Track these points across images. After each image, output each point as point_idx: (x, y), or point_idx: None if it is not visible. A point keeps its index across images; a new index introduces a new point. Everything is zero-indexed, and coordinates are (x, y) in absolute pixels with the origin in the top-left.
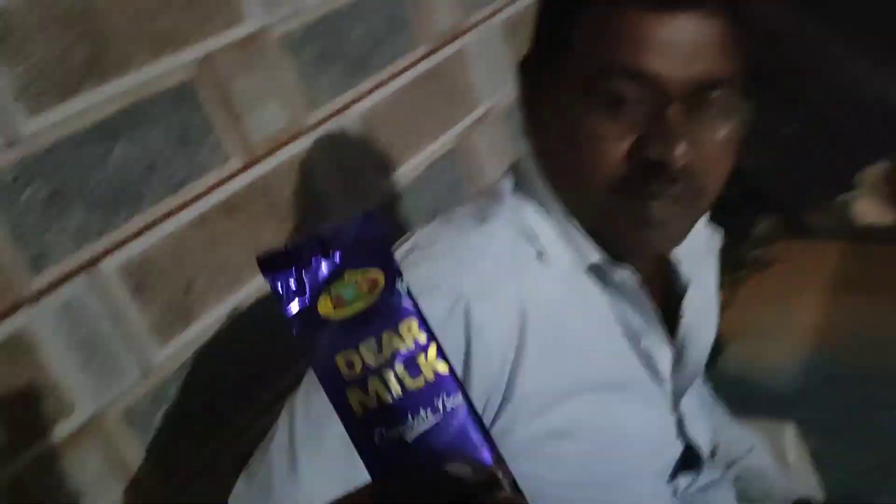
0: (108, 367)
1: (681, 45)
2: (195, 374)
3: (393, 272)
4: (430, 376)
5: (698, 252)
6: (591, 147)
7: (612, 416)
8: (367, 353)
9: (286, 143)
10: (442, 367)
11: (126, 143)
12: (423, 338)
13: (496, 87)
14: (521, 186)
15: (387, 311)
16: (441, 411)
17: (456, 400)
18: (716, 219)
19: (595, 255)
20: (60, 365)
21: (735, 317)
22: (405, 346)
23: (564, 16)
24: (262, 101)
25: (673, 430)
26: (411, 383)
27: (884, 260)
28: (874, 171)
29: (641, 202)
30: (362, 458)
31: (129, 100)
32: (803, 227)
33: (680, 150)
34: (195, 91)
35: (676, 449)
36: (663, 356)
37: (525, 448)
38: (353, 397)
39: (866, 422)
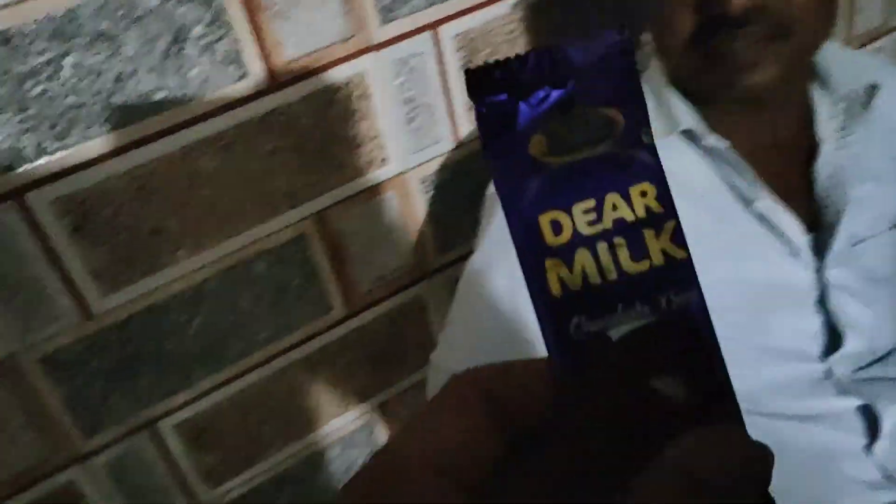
0: (425, 132)
1: None
2: None
3: (638, 116)
4: (658, 260)
5: (852, 107)
6: (665, 14)
7: (737, 275)
8: (582, 217)
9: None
10: (678, 252)
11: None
12: (659, 209)
13: None
14: (645, 81)
15: (619, 166)
16: (664, 308)
17: (685, 297)
18: None
19: (686, 122)
20: (386, 116)
21: None
22: (633, 217)
23: None
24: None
25: (810, 298)
26: (631, 266)
27: None
28: None
29: (720, 52)
30: (550, 350)
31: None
32: None
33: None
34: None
35: (814, 320)
36: (786, 221)
37: None
38: (553, 271)
39: None
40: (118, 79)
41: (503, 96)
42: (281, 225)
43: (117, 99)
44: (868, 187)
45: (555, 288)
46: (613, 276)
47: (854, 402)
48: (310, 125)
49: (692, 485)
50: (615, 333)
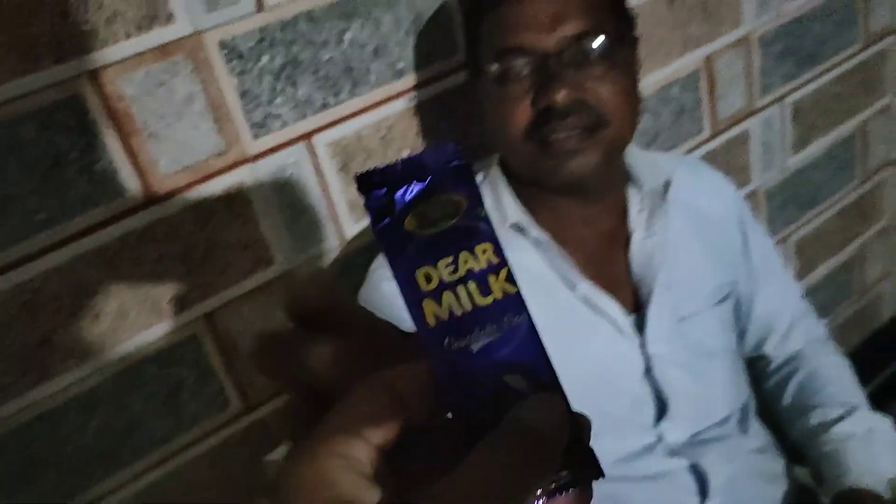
0: (311, 231)
1: (542, 17)
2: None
3: (475, 198)
4: (498, 295)
5: (655, 201)
6: (505, 111)
7: (571, 352)
8: (445, 270)
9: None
10: (511, 289)
11: (359, 26)
12: (496, 260)
13: None
14: (486, 176)
15: (466, 232)
16: (506, 327)
17: (520, 319)
18: None
19: (513, 216)
20: (267, 220)
21: None
22: (479, 266)
23: (473, 20)
24: None
25: (638, 371)
26: (481, 300)
27: None
28: None
29: (548, 140)
30: (431, 362)
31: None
32: None
33: (561, 94)
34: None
35: (643, 390)
36: (606, 303)
37: None
38: (428, 308)
39: None
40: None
41: (383, 191)
42: (171, 327)
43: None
44: (682, 269)
45: (430, 320)
46: (469, 308)
47: (683, 462)
48: (193, 232)
49: (530, 432)
50: (475, 347)
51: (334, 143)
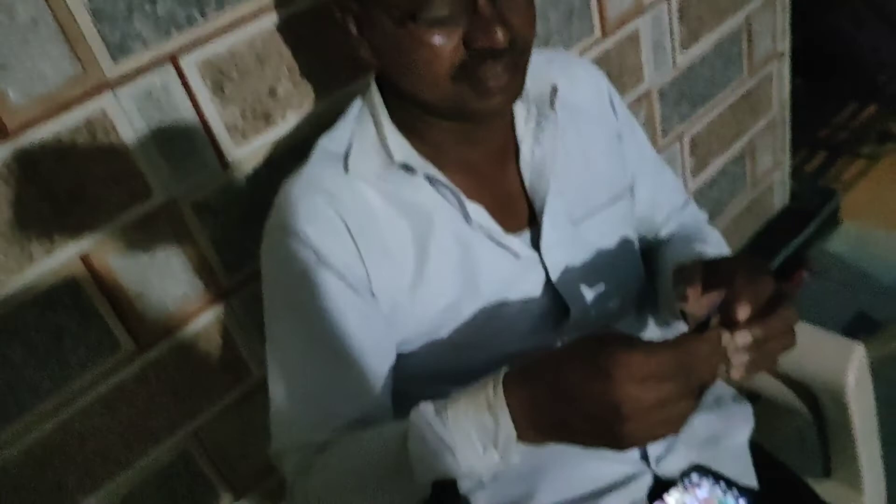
0: (188, 158)
1: None
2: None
3: None
4: None
5: (542, 108)
6: (430, 53)
7: (474, 281)
8: None
9: None
10: None
11: None
12: None
13: None
14: (366, 103)
15: None
16: None
17: None
18: (868, 79)
19: (400, 156)
20: (139, 149)
21: (862, 195)
22: None
23: None
24: None
25: (539, 282)
26: None
27: None
28: None
29: (485, 81)
30: None
31: None
32: None
33: (499, 34)
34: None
35: (544, 300)
36: (499, 232)
37: (426, 325)
38: None
39: None
40: None
41: None
42: (46, 270)
43: None
44: (571, 174)
45: None
46: None
47: None
48: (54, 169)
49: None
50: None
51: (205, 63)
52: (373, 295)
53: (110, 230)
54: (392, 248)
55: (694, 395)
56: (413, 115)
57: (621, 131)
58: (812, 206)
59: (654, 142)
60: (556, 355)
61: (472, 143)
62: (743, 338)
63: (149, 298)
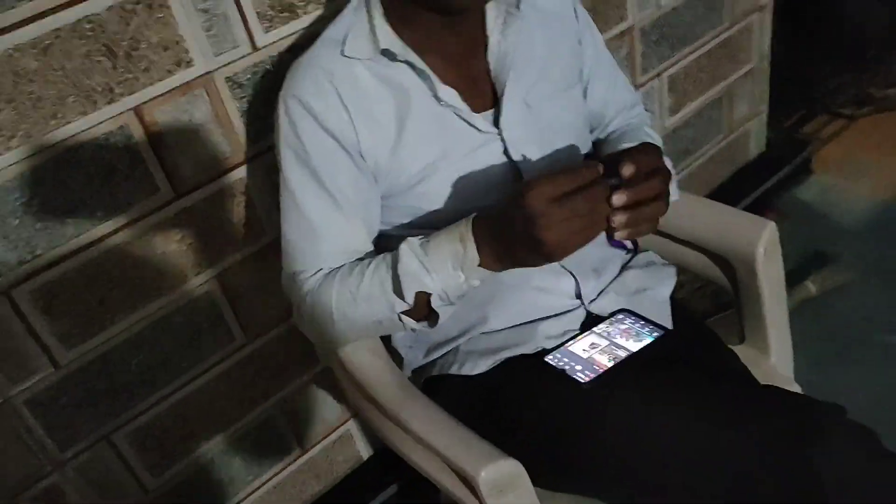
0: (225, 36)
1: None
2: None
3: None
4: None
5: (510, 6)
6: None
7: (444, 153)
8: None
9: None
10: None
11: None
12: None
13: None
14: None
15: None
16: None
17: None
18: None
19: (384, 43)
20: (185, 23)
21: (835, 151)
22: None
23: None
24: None
25: (499, 154)
26: None
27: None
28: None
29: None
30: None
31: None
32: None
33: None
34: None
35: (502, 170)
36: (466, 111)
37: (404, 182)
38: None
39: None
40: None
41: None
42: (103, 117)
43: None
44: (531, 63)
45: None
46: None
47: None
48: (117, 32)
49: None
50: None
51: None
52: (361, 155)
53: (159, 89)
54: (377, 117)
55: (595, 220)
56: (402, 8)
57: (582, 35)
58: (786, 155)
59: (633, 78)
60: (503, 200)
61: (450, 35)
62: (619, 198)
63: (186, 153)
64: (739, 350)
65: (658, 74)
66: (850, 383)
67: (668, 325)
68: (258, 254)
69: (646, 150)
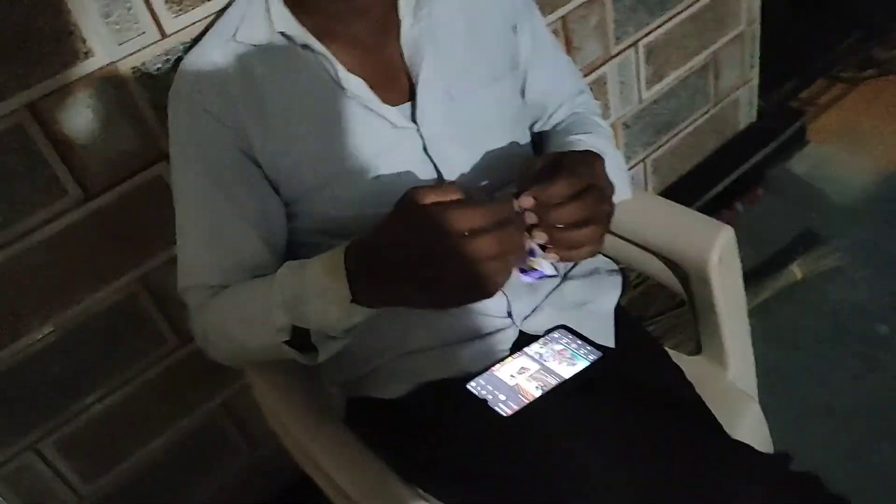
0: (127, 23)
1: None
2: None
3: None
4: None
5: None
6: None
7: (349, 153)
8: None
9: None
10: None
11: None
12: None
13: None
14: None
15: None
16: None
17: None
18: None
19: (283, 24)
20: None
21: (833, 119)
22: None
23: None
24: None
25: (417, 151)
26: None
27: None
28: None
29: None
30: None
31: None
32: None
33: None
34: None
35: (423, 168)
36: (374, 100)
37: (305, 186)
38: None
39: None
40: None
41: None
42: None
43: None
44: (451, 52)
45: None
46: None
47: None
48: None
49: None
50: None
51: None
52: (256, 158)
53: (55, 83)
54: (272, 113)
55: (506, 262)
56: None
57: (517, 19)
58: (778, 125)
59: (606, 49)
60: (384, 218)
61: (355, 18)
62: (538, 235)
63: (94, 152)
64: (695, 361)
65: (634, 43)
66: (834, 377)
67: (610, 342)
68: None
69: (581, 161)
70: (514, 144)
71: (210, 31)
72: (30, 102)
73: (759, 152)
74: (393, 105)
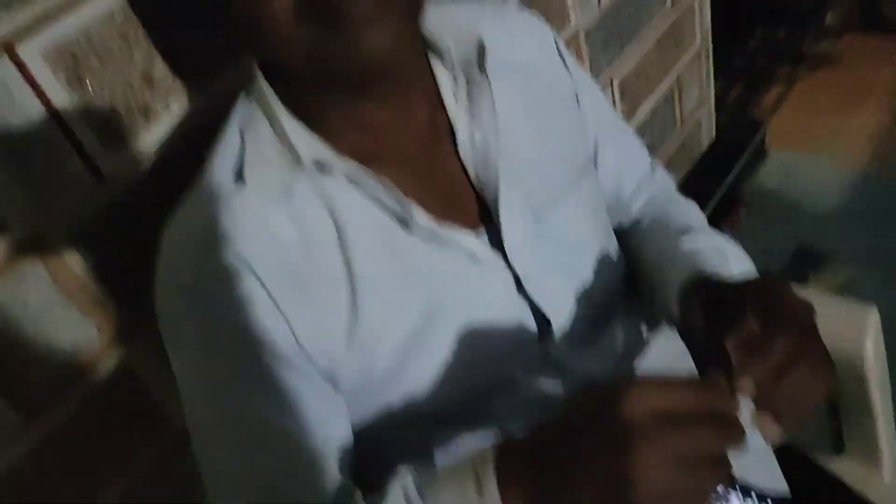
0: (51, 175)
1: None
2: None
3: None
4: None
5: (471, 73)
6: None
7: (429, 303)
8: None
9: None
10: None
11: None
12: None
13: None
14: (251, 97)
15: None
16: None
17: None
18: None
19: (313, 151)
20: None
21: (785, 121)
22: None
23: None
24: None
25: (510, 290)
26: None
27: None
28: None
29: (335, 7)
30: None
31: None
32: (879, 17)
33: None
34: None
35: (520, 309)
36: (449, 233)
37: (378, 371)
38: None
39: None
40: None
41: None
42: None
43: None
44: (525, 153)
45: None
46: None
47: (569, 374)
48: None
49: None
50: None
51: (53, 50)
52: (303, 353)
53: None
54: (314, 288)
55: (722, 459)
56: (314, 103)
57: (578, 91)
58: (739, 138)
59: None
60: (563, 410)
61: (394, 125)
62: (746, 385)
63: (32, 357)
64: (842, 462)
65: (609, 81)
66: None
67: (782, 485)
68: (169, 452)
69: (773, 299)
70: (608, 259)
71: (200, 183)
72: None
73: (730, 172)
74: (464, 232)
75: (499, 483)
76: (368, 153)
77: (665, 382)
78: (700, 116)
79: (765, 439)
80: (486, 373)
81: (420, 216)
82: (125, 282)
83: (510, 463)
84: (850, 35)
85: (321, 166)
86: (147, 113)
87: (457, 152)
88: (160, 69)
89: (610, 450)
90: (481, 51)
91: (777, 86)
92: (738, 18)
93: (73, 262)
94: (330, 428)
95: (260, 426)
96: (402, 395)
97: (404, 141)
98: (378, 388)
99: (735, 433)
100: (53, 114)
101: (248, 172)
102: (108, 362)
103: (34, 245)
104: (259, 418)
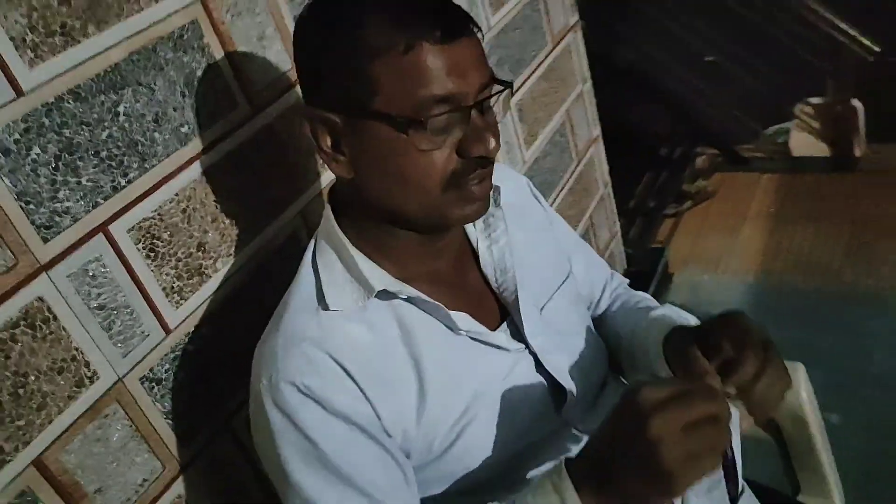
0: (130, 329)
1: (468, 64)
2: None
3: None
4: None
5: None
6: (427, 161)
7: (474, 386)
8: None
9: None
10: None
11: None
12: None
13: None
14: (322, 238)
15: None
16: None
17: None
18: (655, 151)
19: (381, 282)
20: (79, 331)
21: (680, 248)
22: None
23: (358, 66)
24: None
25: (531, 371)
26: None
27: (819, 189)
28: (808, 105)
29: (472, 189)
30: None
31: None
32: (740, 158)
33: (493, 143)
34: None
35: (541, 385)
36: (486, 333)
37: (438, 444)
38: None
39: (808, 346)
40: None
41: None
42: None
43: None
44: (526, 265)
45: None
46: None
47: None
48: None
49: None
50: None
51: (136, 228)
52: (386, 432)
53: (60, 426)
54: (391, 379)
55: (720, 444)
56: (378, 233)
57: (550, 219)
58: (647, 267)
59: None
60: (606, 424)
61: (436, 253)
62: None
63: (108, 493)
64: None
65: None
66: None
67: None
68: None
69: (735, 327)
70: (592, 336)
71: (287, 306)
72: (36, 458)
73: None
74: (493, 330)
75: (573, 482)
76: (419, 274)
77: (674, 391)
78: (612, 250)
79: (741, 427)
80: (519, 440)
81: (463, 322)
82: (184, 422)
83: (579, 474)
84: (720, 173)
85: (387, 293)
86: (201, 273)
87: (477, 269)
88: (211, 237)
89: (646, 454)
90: (497, 191)
91: (668, 219)
92: (629, 168)
93: (147, 405)
94: (404, 490)
95: (353, 484)
96: (454, 466)
97: (442, 266)
98: (437, 460)
99: (724, 407)
100: (135, 279)
101: (328, 297)
102: (167, 496)
103: (116, 391)
104: (354, 483)
